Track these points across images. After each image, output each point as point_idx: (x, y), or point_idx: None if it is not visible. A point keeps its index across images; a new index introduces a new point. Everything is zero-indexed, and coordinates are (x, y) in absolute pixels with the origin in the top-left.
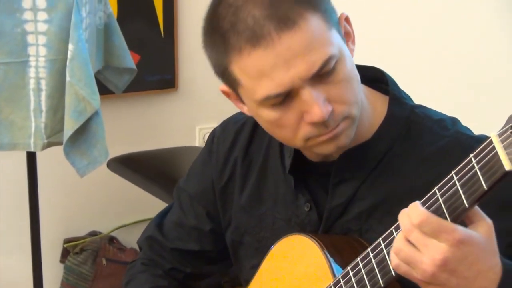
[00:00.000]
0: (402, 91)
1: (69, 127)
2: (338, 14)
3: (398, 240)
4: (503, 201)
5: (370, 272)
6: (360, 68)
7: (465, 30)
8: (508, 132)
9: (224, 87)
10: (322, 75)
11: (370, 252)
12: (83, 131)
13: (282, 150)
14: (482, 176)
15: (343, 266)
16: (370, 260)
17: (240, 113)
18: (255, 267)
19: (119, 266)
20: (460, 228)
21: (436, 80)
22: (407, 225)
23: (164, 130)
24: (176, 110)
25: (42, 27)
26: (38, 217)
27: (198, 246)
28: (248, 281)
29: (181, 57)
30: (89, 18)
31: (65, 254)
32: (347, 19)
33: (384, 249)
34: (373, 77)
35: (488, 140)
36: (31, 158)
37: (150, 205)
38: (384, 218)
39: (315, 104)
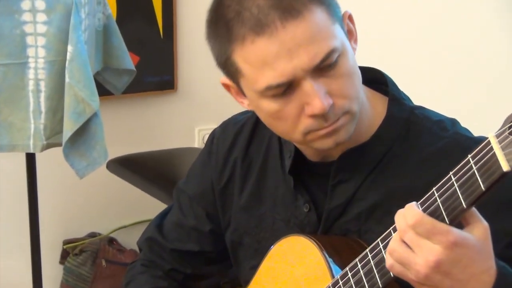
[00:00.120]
0: (402, 92)
1: (68, 128)
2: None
3: (393, 241)
4: (501, 202)
5: (369, 273)
6: (360, 69)
7: (465, 30)
8: (506, 133)
9: (225, 79)
10: (324, 68)
11: (368, 253)
12: (82, 133)
13: (281, 151)
14: (480, 177)
15: (342, 267)
16: (369, 261)
17: (240, 114)
18: (254, 268)
19: (119, 267)
20: (454, 230)
21: (435, 80)
22: (402, 225)
23: (164, 131)
24: (176, 111)
25: (41, 28)
26: (37, 219)
27: (197, 246)
28: (247, 282)
29: (181, 58)
30: (88, 20)
31: (64, 255)
32: (350, 18)
33: (382, 249)
34: (373, 78)
35: (486, 141)
36: (31, 159)
37: (150, 206)
38: (383, 219)
39: (316, 96)
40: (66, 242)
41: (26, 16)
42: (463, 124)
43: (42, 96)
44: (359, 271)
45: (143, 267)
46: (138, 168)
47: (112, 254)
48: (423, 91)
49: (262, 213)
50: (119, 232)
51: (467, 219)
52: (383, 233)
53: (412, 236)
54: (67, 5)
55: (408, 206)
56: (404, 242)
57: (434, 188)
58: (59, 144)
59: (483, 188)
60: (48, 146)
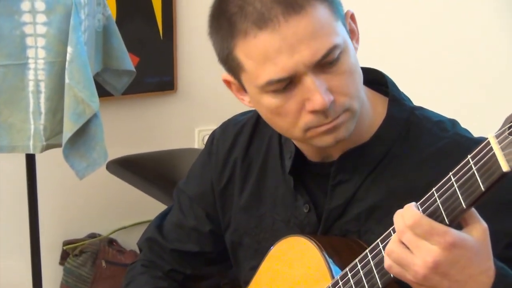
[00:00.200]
0: (402, 93)
1: (68, 129)
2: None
3: (391, 242)
4: (501, 203)
5: (369, 274)
6: (361, 70)
7: (465, 30)
8: (506, 133)
9: (226, 75)
10: (326, 64)
11: (368, 253)
12: (82, 133)
13: (282, 151)
14: (480, 177)
15: (342, 268)
16: (369, 261)
17: (240, 115)
18: (254, 269)
19: (119, 268)
20: (452, 231)
21: (435, 79)
22: (400, 226)
23: (163, 132)
24: (175, 112)
25: (41, 29)
26: (37, 219)
27: (197, 247)
28: (247, 283)
29: (180, 59)
30: (88, 21)
31: (64, 256)
32: (352, 17)
33: (382, 250)
34: (373, 79)
35: (486, 141)
36: (30, 160)
37: (150, 207)
38: (383, 219)
39: (317, 91)
40: (66, 243)
41: (26, 17)
42: (463, 124)
43: (42, 97)
44: (359, 272)
45: (143, 268)
46: (138, 169)
47: (112, 255)
48: (423, 91)
49: (262, 213)
50: (119, 233)
51: (466, 220)
52: (383, 234)
53: (410, 237)
54: (67, 6)
55: (406, 206)
56: (403, 243)
57: (434, 189)
58: (59, 145)
59: (483, 188)
60: (48, 147)
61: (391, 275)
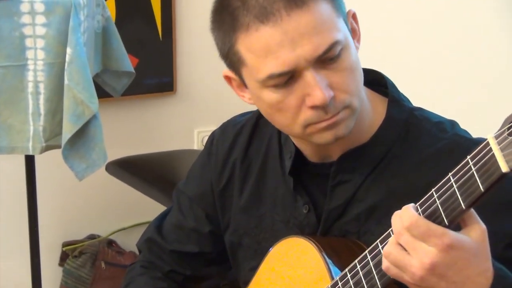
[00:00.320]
0: (401, 93)
1: (68, 130)
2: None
3: (389, 243)
4: (500, 203)
5: (368, 274)
6: None
7: (466, 30)
8: (505, 134)
9: (227, 71)
10: (327, 60)
11: (367, 254)
12: (81, 135)
13: (281, 152)
14: (479, 178)
15: (341, 268)
16: (368, 262)
17: (240, 116)
18: (253, 269)
19: (118, 269)
20: (450, 232)
21: (435, 79)
22: (398, 227)
23: (163, 133)
24: (175, 113)
25: (40, 30)
26: (37, 221)
27: (197, 248)
28: (246, 283)
29: (180, 60)
30: (87, 22)
31: (64, 257)
32: (354, 16)
33: (381, 251)
34: (373, 80)
35: (485, 142)
36: (30, 161)
37: (149, 208)
38: (382, 220)
39: (317, 86)
40: (65, 244)
41: (25, 18)
42: (464, 124)
43: (41, 98)
44: (358, 272)
45: (142, 269)
46: (137, 170)
47: (112, 256)
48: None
49: (261, 213)
50: (118, 234)
51: (465, 221)
52: (383, 234)
53: (408, 239)
54: (66, 8)
55: (404, 208)
56: (400, 245)
57: (433, 189)
58: (58, 146)
59: (482, 189)
60: (47, 148)
61: (391, 276)
